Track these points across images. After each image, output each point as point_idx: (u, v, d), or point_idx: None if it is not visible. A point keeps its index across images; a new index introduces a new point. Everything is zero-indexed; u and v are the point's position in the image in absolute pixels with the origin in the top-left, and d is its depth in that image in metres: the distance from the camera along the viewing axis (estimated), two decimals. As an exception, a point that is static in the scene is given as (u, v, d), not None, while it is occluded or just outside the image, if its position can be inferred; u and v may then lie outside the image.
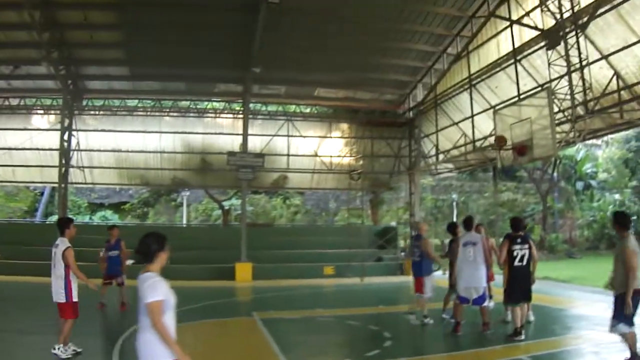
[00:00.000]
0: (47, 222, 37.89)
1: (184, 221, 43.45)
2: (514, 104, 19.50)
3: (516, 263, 10.76)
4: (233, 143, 28.44)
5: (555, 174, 42.83)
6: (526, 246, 10.88)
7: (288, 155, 29.53)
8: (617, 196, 47.45)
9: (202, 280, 24.50)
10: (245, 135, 26.87)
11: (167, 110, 29.29)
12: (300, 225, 44.17)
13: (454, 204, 42.19)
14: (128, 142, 28.84)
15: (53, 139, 28.06)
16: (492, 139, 21.87)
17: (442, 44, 25.33)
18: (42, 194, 46.65)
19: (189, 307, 16.03)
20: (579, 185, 46.13)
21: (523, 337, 10.74)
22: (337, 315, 14.07)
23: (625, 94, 16.68)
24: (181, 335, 11.12)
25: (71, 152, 27.53)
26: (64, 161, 27.16)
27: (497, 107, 20.73)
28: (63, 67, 25.38)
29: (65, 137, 27.04)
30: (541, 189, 41.11)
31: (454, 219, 40.04)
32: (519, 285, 10.85)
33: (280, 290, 21.87)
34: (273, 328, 12.45)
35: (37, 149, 28.46)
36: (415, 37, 24.82)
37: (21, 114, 28.90)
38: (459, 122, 25.99)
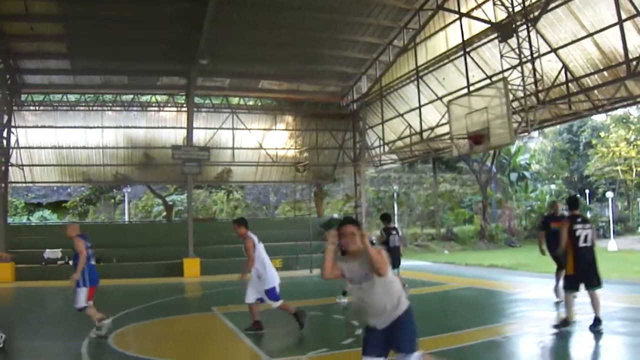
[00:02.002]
0: None
1: (126, 218, 43.47)
2: (468, 94, 20.52)
3: (581, 244, 10.02)
4: (176, 137, 28.92)
5: (492, 165, 44.40)
6: (588, 225, 10.18)
7: (233, 148, 30.10)
8: (553, 186, 49.71)
9: (150, 278, 24.97)
10: (190, 128, 27.37)
11: (110, 104, 29.31)
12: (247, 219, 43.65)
13: (395, 195, 43.47)
14: (69, 139, 28.78)
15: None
16: (439, 130, 23.23)
17: (388, 36, 26.29)
18: None
19: (147, 304, 16.76)
20: (513, 176, 48.18)
21: (568, 328, 10.24)
22: (298, 306, 14.87)
23: (572, 86, 18.08)
24: (151, 332, 11.86)
25: (10, 150, 27.42)
26: (3, 159, 26.99)
27: (450, 98, 21.76)
28: (0, 60, 25.35)
29: (5, 134, 26.83)
30: (481, 180, 42.68)
31: (395, 211, 41.52)
32: (587, 268, 10.00)
33: (230, 285, 22.19)
34: (239, 322, 12.75)
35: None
36: (361, 29, 25.65)
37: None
38: (404, 113, 27.07)
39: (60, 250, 27.00)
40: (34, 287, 23.05)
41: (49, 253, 27.15)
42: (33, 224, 41.25)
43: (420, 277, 22.47)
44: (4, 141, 26.83)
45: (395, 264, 15.05)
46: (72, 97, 29.39)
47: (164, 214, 40.38)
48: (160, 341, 11.38)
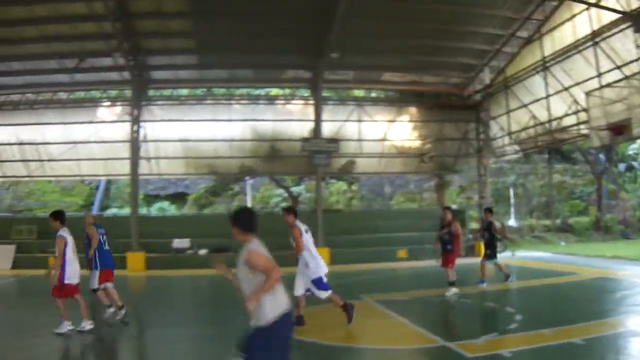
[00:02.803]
0: (104, 215, 38.81)
1: None
2: (608, 85, 20.46)
3: None
4: (302, 129, 29.53)
5: (607, 156, 43.80)
6: None
7: (360, 140, 30.65)
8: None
9: (280, 266, 25.70)
10: (318, 121, 28.02)
11: (238, 98, 30.29)
12: (371, 209, 45.20)
13: (512, 186, 43.41)
14: (196, 132, 29.74)
15: (119, 131, 29.23)
16: (567, 120, 23.38)
17: (511, 27, 26.39)
18: (97, 187, 47.55)
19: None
20: (621, 166, 47.45)
21: None
22: (444, 294, 15.23)
23: None
24: (316, 318, 12.27)
25: (140, 144, 28.40)
26: (133, 153, 28.13)
27: (586, 90, 21.82)
28: (132, 57, 26.36)
29: (135, 128, 28.02)
30: (596, 171, 42.32)
31: (511, 201, 41.56)
32: None
33: (362, 274, 22.87)
34: (395, 309, 13.34)
35: (103, 142, 29.50)
36: (484, 20, 25.82)
37: (86, 107, 30.09)
38: (529, 104, 27.23)
39: (188, 240, 27.96)
40: (163, 276, 24.46)
41: (177, 243, 28.20)
42: (160, 215, 42.36)
43: (551, 268, 23.03)
44: (135, 135, 27.95)
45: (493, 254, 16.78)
46: (196, 92, 30.19)
47: (284, 204, 41.17)
48: (328, 326, 11.86)
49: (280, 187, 42.33)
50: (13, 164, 30.73)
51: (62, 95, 30.34)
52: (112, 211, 44.69)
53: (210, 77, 29.66)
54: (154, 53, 27.33)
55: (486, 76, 30.00)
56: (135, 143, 27.86)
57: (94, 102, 30.35)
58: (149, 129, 28.98)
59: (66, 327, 10.99)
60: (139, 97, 28.27)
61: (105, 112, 30.14)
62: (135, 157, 27.87)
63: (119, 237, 26.28)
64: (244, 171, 31.59)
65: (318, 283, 11.28)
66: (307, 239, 11.45)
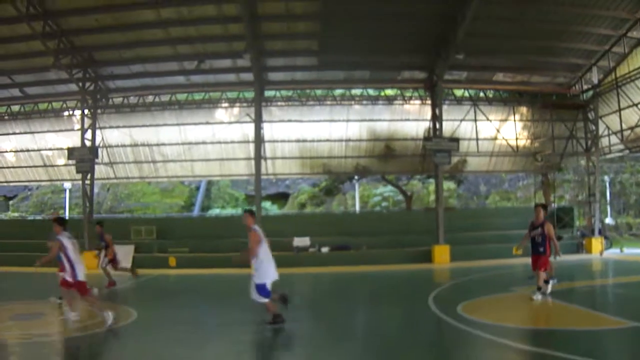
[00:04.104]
0: (206, 216, 39.81)
1: (357, 208, 44.98)
2: None
3: None
4: (418, 129, 30.71)
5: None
6: None
7: (477, 139, 32.02)
8: None
9: (398, 264, 27.12)
10: (440, 120, 29.12)
11: (358, 99, 31.56)
12: (482, 208, 46.89)
13: (608, 183, 44.28)
14: (313, 132, 31.19)
15: (235, 132, 30.66)
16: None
17: (623, 27, 27.48)
18: (197, 188, 48.54)
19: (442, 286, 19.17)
20: None
21: None
22: (593, 285, 16.03)
23: None
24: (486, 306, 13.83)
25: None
26: (256, 153, 29.33)
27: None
28: (255, 59, 27.48)
29: (257, 128, 29.20)
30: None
31: (607, 199, 42.51)
32: None
33: (489, 270, 23.74)
34: (557, 298, 14.25)
35: (220, 142, 30.81)
36: (595, 20, 26.91)
37: (204, 109, 31.42)
38: (639, 103, 28.45)
39: (308, 239, 28.96)
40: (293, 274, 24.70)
41: (298, 241, 29.27)
42: (279, 214, 43.21)
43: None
44: (257, 135, 29.18)
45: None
46: (311, 92, 31.30)
47: (384, 204, 42.24)
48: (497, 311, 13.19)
49: (394, 186, 43.06)
50: (126, 165, 31.77)
51: (180, 97, 31.35)
52: (215, 211, 45.63)
53: (327, 79, 30.70)
54: (275, 55, 28.53)
55: (593, 76, 31.05)
56: (258, 143, 28.94)
57: (213, 104, 31.41)
58: (266, 129, 30.07)
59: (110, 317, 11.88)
60: (260, 97, 29.39)
61: (222, 113, 31.13)
62: (258, 157, 28.99)
63: (236, 236, 27.60)
64: (359, 171, 32.67)
65: (261, 289, 11.62)
66: (264, 243, 11.80)
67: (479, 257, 27.72)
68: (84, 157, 29.01)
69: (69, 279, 12.07)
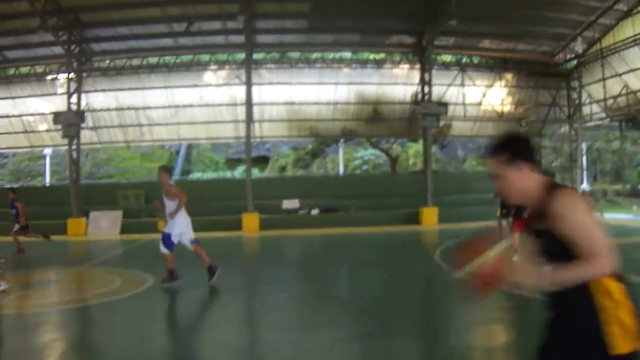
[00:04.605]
0: (187, 180, 39.85)
1: (341, 171, 45.02)
2: None
3: None
4: (405, 93, 31.15)
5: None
6: None
7: (464, 104, 32.57)
8: None
9: (387, 226, 27.77)
10: (429, 85, 29.70)
11: (347, 62, 31.99)
12: (465, 172, 47.58)
13: (585, 151, 45.02)
14: (301, 95, 31.45)
15: (223, 95, 30.83)
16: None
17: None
18: (177, 152, 48.19)
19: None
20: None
21: None
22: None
23: None
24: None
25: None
26: (248, 116, 29.41)
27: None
28: (246, 20, 27.13)
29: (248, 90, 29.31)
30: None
31: (584, 165, 43.38)
32: None
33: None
34: None
35: (208, 105, 30.99)
36: None
37: (192, 72, 31.44)
38: (623, 74, 29.48)
39: (297, 201, 29.43)
40: (283, 236, 25.83)
41: (286, 204, 29.67)
42: (269, 176, 42.97)
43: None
44: (248, 97, 29.29)
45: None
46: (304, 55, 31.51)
47: (364, 167, 42.70)
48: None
49: (380, 150, 43.59)
50: (110, 129, 31.66)
51: (168, 60, 31.38)
52: (195, 175, 45.48)
53: (317, 41, 30.95)
54: (266, 17, 28.57)
55: (578, 46, 31.85)
56: (249, 106, 29.11)
57: (201, 66, 31.37)
58: (255, 92, 30.15)
59: None
60: (250, 60, 29.49)
61: (211, 76, 31.11)
62: (249, 120, 29.16)
63: (221, 199, 27.93)
64: (346, 134, 33.05)
65: (166, 238, 11.96)
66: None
67: (466, 220, 28.32)
68: (70, 122, 28.75)
69: None
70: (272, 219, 28.80)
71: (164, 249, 11.89)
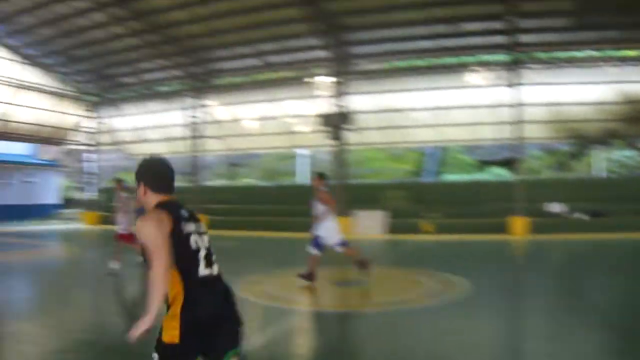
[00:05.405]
0: (456, 181, 41.21)
1: (602, 174, 43.51)
2: None
3: None
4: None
5: None
6: None
7: None
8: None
9: None
10: None
11: (607, 59, 31.00)
12: None
13: None
14: (562, 95, 30.89)
15: (484, 97, 31.33)
16: None
17: None
18: (426, 154, 49.31)
19: None
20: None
21: None
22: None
23: None
24: None
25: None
26: (516, 118, 29.71)
27: None
28: (509, 19, 27.62)
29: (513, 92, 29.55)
30: None
31: None
32: None
33: None
34: None
35: (468, 107, 31.65)
36: None
37: (454, 73, 32.05)
38: None
39: (562, 204, 29.20)
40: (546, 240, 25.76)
41: (551, 206, 29.48)
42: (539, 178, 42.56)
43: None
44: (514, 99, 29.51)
45: None
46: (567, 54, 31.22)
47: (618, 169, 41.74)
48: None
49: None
50: (370, 131, 32.89)
51: (429, 62, 32.39)
52: (447, 177, 46.35)
53: (580, 40, 30.38)
54: (529, 16, 28.25)
55: None
56: (515, 107, 29.43)
57: (463, 67, 31.90)
58: (515, 93, 30.05)
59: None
60: (514, 60, 29.67)
61: (472, 77, 31.58)
62: (515, 122, 29.54)
63: (489, 201, 27.93)
64: (608, 135, 32.31)
65: (315, 240, 13.00)
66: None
67: None
68: (336, 124, 30.18)
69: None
70: (539, 222, 28.54)
71: (312, 250, 12.88)
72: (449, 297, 11.60)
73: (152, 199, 4.12)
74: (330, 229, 12.97)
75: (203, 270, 3.90)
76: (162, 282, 3.63)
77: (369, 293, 12.83)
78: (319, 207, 12.97)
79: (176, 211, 4.00)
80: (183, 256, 3.84)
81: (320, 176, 13.56)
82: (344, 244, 13.10)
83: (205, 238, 4.07)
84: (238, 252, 22.84)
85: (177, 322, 3.70)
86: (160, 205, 4.03)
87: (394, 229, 29.48)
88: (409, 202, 31.81)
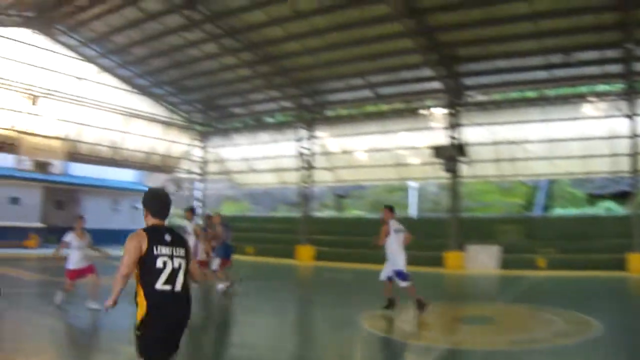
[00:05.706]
0: (570, 216, 40.59)
1: None
2: None
3: None
4: None
5: None
6: None
7: None
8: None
9: None
10: None
11: None
12: None
13: None
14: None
15: (599, 128, 30.00)
16: None
17: None
18: (537, 187, 48.85)
19: None
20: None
21: None
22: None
23: None
24: None
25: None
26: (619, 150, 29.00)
27: None
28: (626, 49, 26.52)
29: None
30: None
31: None
32: None
33: None
34: None
35: (583, 139, 30.36)
36: None
37: (569, 104, 30.98)
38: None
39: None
40: None
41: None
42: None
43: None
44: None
45: None
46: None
47: None
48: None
49: None
50: (482, 163, 32.57)
51: (544, 92, 31.59)
52: (557, 211, 45.50)
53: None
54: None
55: None
56: (634, 139, 28.23)
57: (578, 98, 30.85)
58: (631, 124, 28.76)
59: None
60: (632, 89, 28.59)
61: (588, 107, 30.74)
62: (635, 154, 28.24)
63: (616, 237, 27.08)
64: None
65: (399, 274, 13.36)
66: (394, 237, 13.38)
67: None
68: (451, 156, 30.12)
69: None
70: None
71: (403, 283, 13.33)
72: (583, 336, 11.13)
73: (150, 221, 5.38)
74: (400, 259, 13.52)
75: (161, 286, 5.06)
76: (121, 281, 5.06)
77: (500, 331, 12.30)
78: (392, 240, 13.42)
79: (157, 235, 5.21)
80: (149, 271, 5.07)
81: (390, 209, 13.88)
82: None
83: (178, 261, 5.19)
84: (354, 284, 23.62)
85: (142, 314, 5.05)
86: (148, 228, 5.27)
87: (506, 264, 28.94)
88: (521, 236, 31.06)
